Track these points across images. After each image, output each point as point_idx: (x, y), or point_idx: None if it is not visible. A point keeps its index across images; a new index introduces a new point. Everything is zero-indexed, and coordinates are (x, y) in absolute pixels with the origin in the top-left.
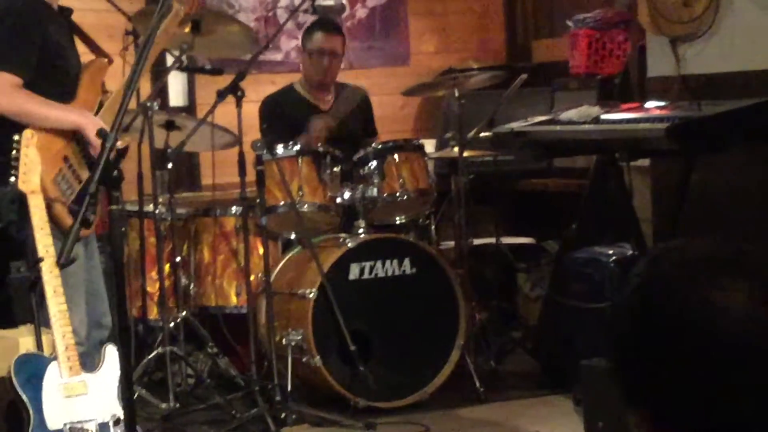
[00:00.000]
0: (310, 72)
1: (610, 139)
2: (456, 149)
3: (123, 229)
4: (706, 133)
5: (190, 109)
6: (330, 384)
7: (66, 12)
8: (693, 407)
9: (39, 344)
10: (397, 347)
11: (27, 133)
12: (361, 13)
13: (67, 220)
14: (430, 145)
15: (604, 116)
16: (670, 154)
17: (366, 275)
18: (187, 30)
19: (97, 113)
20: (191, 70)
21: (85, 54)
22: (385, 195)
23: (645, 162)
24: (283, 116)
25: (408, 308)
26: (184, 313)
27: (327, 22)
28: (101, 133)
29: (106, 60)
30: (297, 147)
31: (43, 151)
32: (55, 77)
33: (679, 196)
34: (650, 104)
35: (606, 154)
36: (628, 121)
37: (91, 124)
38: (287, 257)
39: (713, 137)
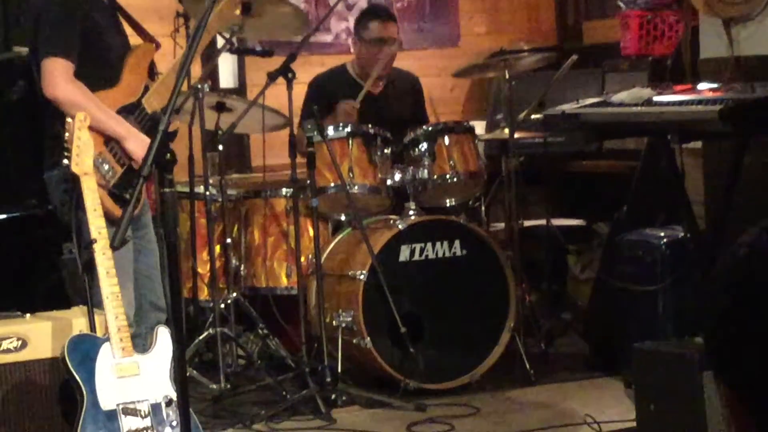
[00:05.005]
0: (367, 61)
1: (662, 122)
2: (506, 131)
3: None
4: (759, 115)
5: (240, 91)
6: (380, 365)
7: None
8: None
9: (92, 325)
10: (447, 329)
11: (80, 115)
12: None
13: (107, 203)
14: (480, 127)
15: (656, 98)
16: (722, 136)
17: (416, 257)
18: (237, 12)
19: (142, 96)
20: (242, 52)
21: (132, 36)
22: (435, 177)
23: (697, 144)
24: (331, 96)
25: (458, 290)
26: (234, 295)
27: (380, 9)
28: (154, 116)
29: (152, 44)
30: (348, 128)
31: None
32: (97, 61)
33: (732, 179)
34: (703, 86)
35: (658, 136)
36: (681, 103)
37: (133, 138)
38: (338, 239)
39: (767, 119)
